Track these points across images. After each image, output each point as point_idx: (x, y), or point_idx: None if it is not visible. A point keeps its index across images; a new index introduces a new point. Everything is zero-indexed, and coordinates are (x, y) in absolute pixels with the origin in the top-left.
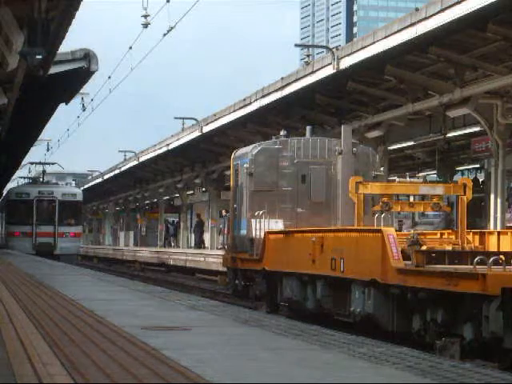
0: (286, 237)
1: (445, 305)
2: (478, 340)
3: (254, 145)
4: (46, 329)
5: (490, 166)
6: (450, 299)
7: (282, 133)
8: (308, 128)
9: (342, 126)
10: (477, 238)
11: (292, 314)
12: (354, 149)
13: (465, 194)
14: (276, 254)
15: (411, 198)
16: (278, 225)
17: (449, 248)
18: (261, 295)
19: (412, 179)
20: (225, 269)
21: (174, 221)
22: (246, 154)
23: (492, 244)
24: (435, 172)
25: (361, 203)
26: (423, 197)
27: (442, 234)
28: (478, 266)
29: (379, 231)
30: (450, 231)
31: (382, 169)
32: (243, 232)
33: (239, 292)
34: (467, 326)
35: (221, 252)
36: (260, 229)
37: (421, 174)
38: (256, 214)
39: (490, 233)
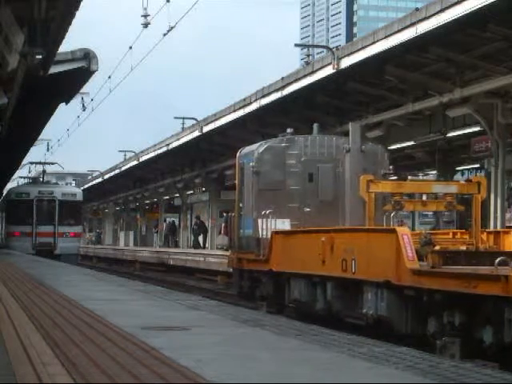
0: (295, 237)
1: (463, 307)
2: (498, 344)
3: (259, 143)
4: (46, 329)
5: (490, 166)
6: (469, 301)
7: (288, 130)
8: (315, 125)
9: (350, 124)
10: (491, 237)
11: (300, 316)
12: (363, 146)
13: (479, 192)
14: (284, 255)
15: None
16: (284, 224)
17: (463, 248)
18: (268, 296)
19: (425, 177)
20: (224, 269)
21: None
22: (251, 152)
23: (508, 244)
24: (435, 172)
25: (372, 202)
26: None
27: (454, 234)
28: (498, 267)
29: (393, 231)
30: (463, 231)
31: (391, 167)
32: (249, 232)
33: (245, 293)
34: (487, 329)
35: (220, 252)
36: (267, 228)
37: (433, 173)
38: (262, 213)
39: (506, 232)
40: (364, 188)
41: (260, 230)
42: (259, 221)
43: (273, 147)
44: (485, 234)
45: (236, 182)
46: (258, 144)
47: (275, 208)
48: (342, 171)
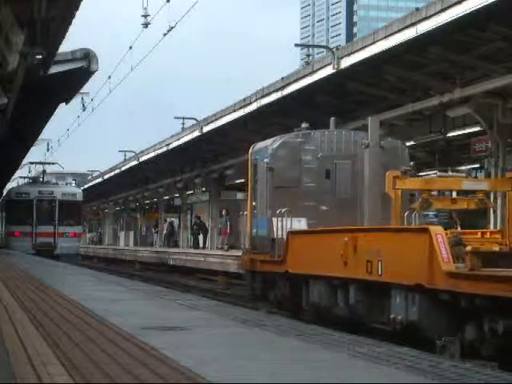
0: (313, 237)
1: (508, 313)
2: None
3: (273, 138)
4: (46, 329)
5: (490, 166)
6: None
7: (303, 125)
8: (332, 120)
9: (369, 118)
10: None
11: (318, 321)
12: (382, 142)
13: None
14: (301, 256)
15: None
16: (300, 223)
17: (496, 248)
18: (283, 299)
19: (454, 173)
20: (224, 269)
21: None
22: (265, 148)
23: None
24: (435, 172)
25: (398, 200)
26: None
27: (483, 234)
28: None
29: (426, 231)
30: (493, 230)
31: (411, 163)
32: (263, 232)
33: (258, 296)
34: None
35: (220, 252)
36: (282, 228)
37: (463, 168)
38: (277, 212)
39: None
40: (390, 185)
41: (275, 229)
42: (274, 220)
43: (288, 143)
44: None
45: (248, 179)
46: (272, 139)
47: (290, 206)
48: (360, 168)
